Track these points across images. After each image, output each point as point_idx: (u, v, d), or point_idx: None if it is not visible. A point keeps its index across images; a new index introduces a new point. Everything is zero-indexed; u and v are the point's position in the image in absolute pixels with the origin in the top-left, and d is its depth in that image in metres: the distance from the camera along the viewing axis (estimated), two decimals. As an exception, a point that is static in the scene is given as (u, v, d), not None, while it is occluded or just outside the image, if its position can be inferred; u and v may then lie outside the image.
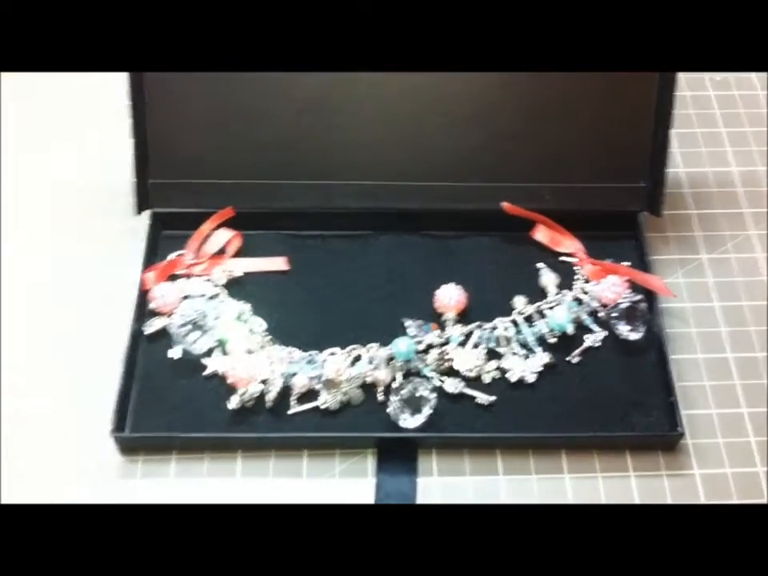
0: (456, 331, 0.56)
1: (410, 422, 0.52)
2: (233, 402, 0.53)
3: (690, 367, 0.57)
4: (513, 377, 0.55)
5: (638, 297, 0.56)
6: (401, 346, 0.54)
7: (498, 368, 0.55)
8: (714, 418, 0.55)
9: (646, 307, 0.56)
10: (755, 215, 0.65)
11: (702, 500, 0.52)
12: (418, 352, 0.55)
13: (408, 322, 0.56)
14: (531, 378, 0.55)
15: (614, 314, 0.56)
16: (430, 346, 0.56)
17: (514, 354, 0.56)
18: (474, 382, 0.55)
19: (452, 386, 0.54)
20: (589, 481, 0.53)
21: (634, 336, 0.56)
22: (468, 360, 0.55)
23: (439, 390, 0.54)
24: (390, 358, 0.55)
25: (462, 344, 0.56)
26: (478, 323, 0.57)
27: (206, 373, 0.55)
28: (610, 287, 0.58)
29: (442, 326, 0.57)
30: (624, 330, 0.56)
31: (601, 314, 0.57)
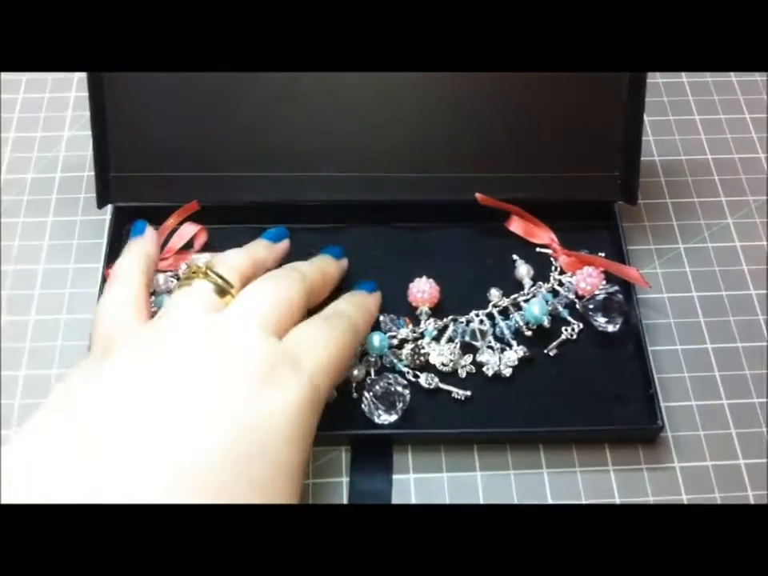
0: (430, 325, 0.55)
1: (384, 417, 0.51)
2: None
3: (669, 358, 0.57)
4: (489, 371, 0.54)
5: (614, 288, 0.56)
6: (374, 340, 0.53)
7: (473, 362, 0.54)
8: (694, 410, 0.55)
9: (623, 299, 0.55)
10: (731, 203, 0.64)
11: (683, 493, 0.51)
12: (391, 347, 0.54)
13: (381, 317, 0.55)
14: (507, 372, 0.54)
15: (590, 306, 0.55)
16: (404, 341, 0.54)
17: (490, 347, 0.54)
18: (450, 376, 0.54)
19: (426, 380, 0.53)
20: (568, 475, 0.52)
21: (611, 328, 0.55)
22: (443, 354, 0.54)
23: (414, 386, 0.53)
24: (363, 354, 0.54)
25: (437, 338, 0.55)
26: (452, 317, 0.55)
27: None
28: (585, 278, 0.57)
29: (416, 320, 0.55)
30: (601, 321, 0.55)
31: (577, 306, 0.56)
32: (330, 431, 0.51)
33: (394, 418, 0.51)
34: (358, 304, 0.51)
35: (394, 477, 0.52)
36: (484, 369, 0.54)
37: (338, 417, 0.52)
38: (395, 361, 0.54)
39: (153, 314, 0.46)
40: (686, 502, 0.51)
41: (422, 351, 0.54)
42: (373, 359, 0.53)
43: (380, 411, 0.51)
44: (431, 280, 0.56)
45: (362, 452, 0.52)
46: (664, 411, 0.53)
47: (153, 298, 0.56)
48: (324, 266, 0.52)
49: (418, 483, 0.52)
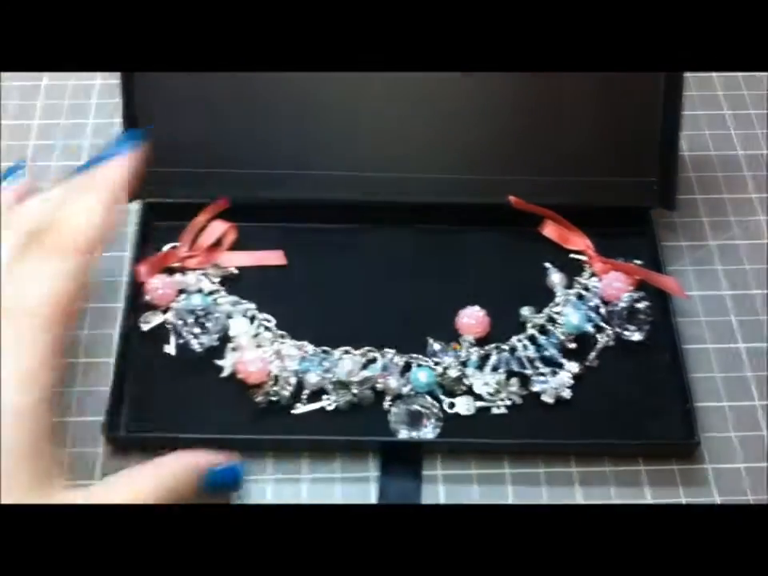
0: (474, 354, 0.54)
1: (404, 434, 0.51)
2: (257, 398, 0.52)
3: (700, 358, 0.55)
4: (548, 398, 0.52)
5: (640, 294, 0.55)
6: (420, 377, 0.52)
7: (520, 389, 0.53)
8: (725, 411, 0.54)
9: (648, 306, 0.54)
10: (762, 200, 0.63)
11: (716, 495, 0.51)
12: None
13: (429, 342, 0.54)
14: (567, 394, 0.52)
15: (615, 313, 0.55)
16: (446, 369, 0.53)
17: (540, 373, 0.53)
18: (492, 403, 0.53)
19: (464, 406, 0.52)
20: (599, 489, 0.51)
21: (637, 336, 0.54)
22: (488, 384, 0.52)
23: (450, 411, 0.52)
24: (406, 368, 0.53)
25: (480, 367, 0.54)
26: (495, 345, 0.54)
27: (223, 374, 0.53)
28: (612, 283, 0.56)
29: (454, 339, 0.54)
30: (626, 329, 0.54)
31: (601, 311, 0.56)
32: (361, 437, 0.52)
33: (417, 435, 0.51)
34: (90, 211, 0.43)
35: (423, 486, 0.51)
36: (542, 397, 0.52)
37: (370, 423, 0.52)
38: (436, 388, 0.53)
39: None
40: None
41: (466, 381, 0.53)
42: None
43: (403, 428, 0.51)
44: (483, 311, 0.55)
45: (392, 460, 0.51)
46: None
47: (183, 296, 0.55)
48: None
49: (447, 494, 0.51)
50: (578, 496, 0.51)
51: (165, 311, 0.55)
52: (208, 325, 0.53)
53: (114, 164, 0.44)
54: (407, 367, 0.53)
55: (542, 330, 0.55)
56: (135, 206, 0.59)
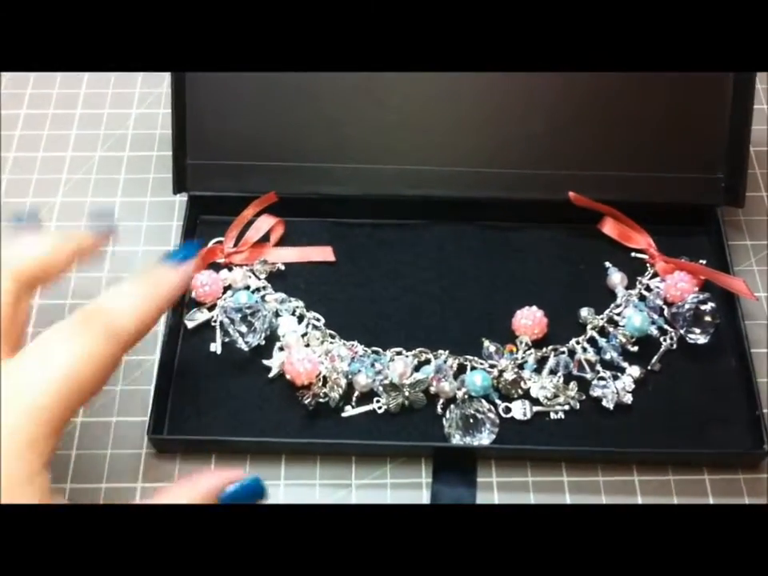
0: (531, 357, 0.52)
1: (457, 441, 0.49)
2: (305, 400, 0.50)
3: (765, 362, 0.53)
4: (609, 404, 0.50)
5: (705, 295, 0.52)
6: (476, 380, 0.50)
7: (578, 393, 0.51)
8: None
9: (714, 307, 0.52)
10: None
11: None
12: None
13: (485, 344, 0.52)
14: (628, 399, 0.50)
15: (679, 315, 0.52)
16: (501, 372, 0.51)
17: (601, 378, 0.51)
18: (549, 408, 0.51)
19: (520, 410, 0.50)
20: (661, 499, 0.49)
21: (702, 340, 0.52)
22: (545, 388, 0.50)
23: (506, 415, 0.50)
24: (460, 370, 0.51)
25: (537, 370, 0.52)
26: (553, 347, 0.52)
27: (271, 375, 0.51)
28: (676, 284, 0.53)
29: (515, 347, 0.52)
30: (691, 332, 0.52)
31: (665, 313, 0.53)
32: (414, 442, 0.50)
33: (472, 442, 0.49)
34: (138, 297, 0.40)
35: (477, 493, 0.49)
36: (603, 402, 0.50)
37: (423, 427, 0.50)
38: (492, 392, 0.51)
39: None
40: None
41: (523, 385, 0.51)
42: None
43: (456, 434, 0.49)
44: (540, 311, 0.53)
45: (446, 465, 0.50)
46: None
47: (229, 293, 0.54)
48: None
49: (501, 502, 0.49)
50: (639, 506, 0.49)
51: (210, 308, 0.54)
52: (255, 323, 0.51)
53: (175, 270, 0.42)
54: (461, 369, 0.51)
55: (602, 332, 0.53)
56: (181, 199, 0.58)
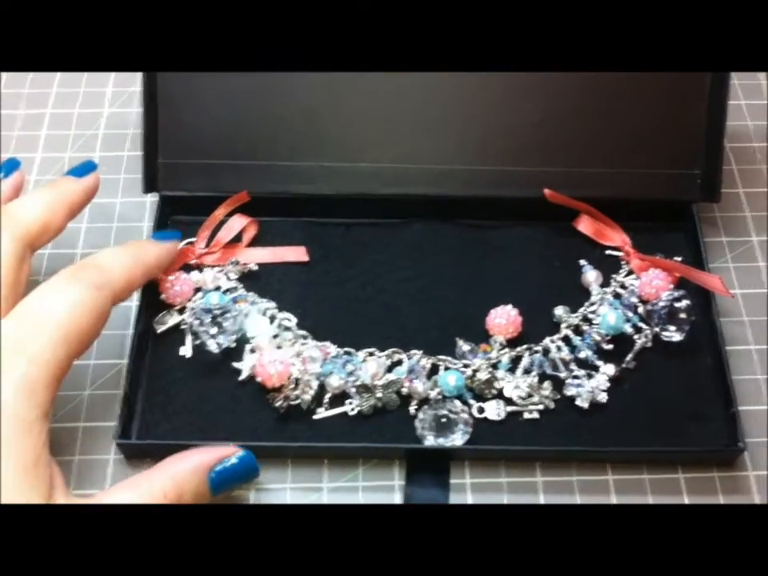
0: (505, 356, 0.51)
1: (430, 442, 0.48)
2: (277, 403, 0.49)
3: (742, 359, 0.53)
4: (583, 403, 0.50)
5: (680, 293, 0.52)
6: (449, 380, 0.50)
7: (553, 392, 0.50)
8: (768, 415, 0.51)
9: (689, 304, 0.51)
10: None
11: (756, 500, 0.48)
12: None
13: (459, 343, 0.51)
14: (603, 398, 0.50)
15: (654, 313, 0.52)
16: (475, 371, 0.51)
17: (575, 376, 0.51)
18: (523, 408, 0.50)
19: (495, 411, 0.50)
20: (636, 498, 0.48)
21: (677, 337, 0.51)
22: (519, 387, 0.50)
23: (480, 416, 0.50)
24: (433, 370, 0.51)
25: (512, 369, 0.51)
26: (526, 346, 0.52)
27: (242, 377, 0.51)
28: (651, 281, 0.53)
29: (484, 341, 0.52)
30: (666, 329, 0.51)
31: (639, 311, 0.53)
32: (385, 444, 0.49)
33: (445, 443, 0.48)
34: (126, 256, 0.46)
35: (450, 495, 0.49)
36: (577, 402, 0.50)
37: (395, 429, 0.50)
38: (465, 392, 0.50)
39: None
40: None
41: (497, 384, 0.50)
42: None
43: (429, 435, 0.48)
44: (515, 310, 0.52)
45: (419, 467, 0.49)
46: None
47: (200, 294, 0.53)
48: None
49: (475, 502, 0.48)
50: (614, 506, 0.48)
51: (180, 311, 0.53)
52: (225, 324, 0.51)
53: (161, 243, 0.50)
54: (434, 370, 0.51)
55: (577, 330, 0.52)
56: (152, 200, 0.57)
